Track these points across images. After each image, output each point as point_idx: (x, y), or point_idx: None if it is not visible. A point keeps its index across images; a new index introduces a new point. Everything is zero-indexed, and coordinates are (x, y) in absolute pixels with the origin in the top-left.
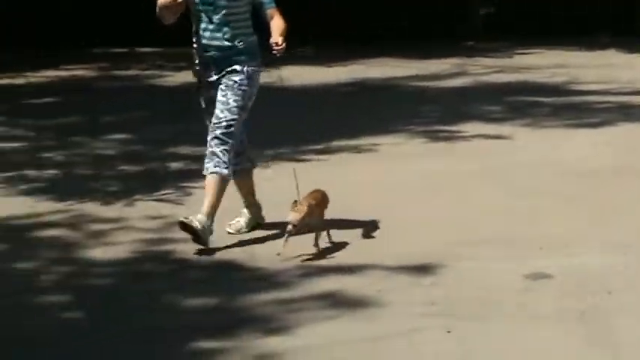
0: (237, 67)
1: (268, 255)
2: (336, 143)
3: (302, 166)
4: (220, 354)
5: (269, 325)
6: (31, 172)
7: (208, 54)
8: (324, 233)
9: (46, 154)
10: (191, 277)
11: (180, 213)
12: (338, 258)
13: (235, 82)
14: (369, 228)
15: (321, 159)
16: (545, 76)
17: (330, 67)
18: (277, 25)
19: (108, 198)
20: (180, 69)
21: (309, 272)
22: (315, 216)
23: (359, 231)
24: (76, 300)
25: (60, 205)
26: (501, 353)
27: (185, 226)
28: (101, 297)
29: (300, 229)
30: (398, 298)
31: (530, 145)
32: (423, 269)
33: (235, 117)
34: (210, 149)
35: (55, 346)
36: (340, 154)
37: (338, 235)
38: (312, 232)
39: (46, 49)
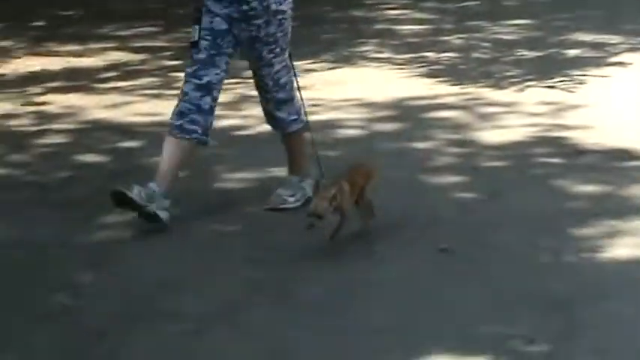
0: (263, 19)
1: None
2: None
3: None
4: (611, 239)
5: None
6: (430, 55)
7: None
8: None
9: (446, 38)
10: (582, 162)
11: (571, 101)
12: None
13: (260, 26)
14: None
15: None
16: None
17: None
18: None
19: (502, 82)
20: None
21: None
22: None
23: None
24: (469, 180)
25: (456, 88)
26: None
27: None
28: (491, 180)
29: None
30: None
31: None
32: None
33: (278, 68)
34: (271, 113)
35: (453, 223)
36: None
37: None
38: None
39: None
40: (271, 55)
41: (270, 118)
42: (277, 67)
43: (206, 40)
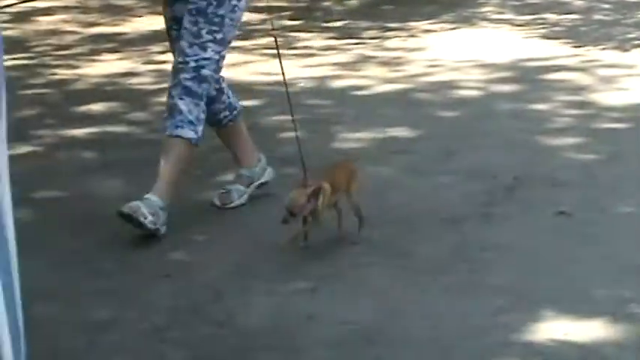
0: None
1: None
2: None
3: None
4: None
5: None
6: (551, 16)
7: None
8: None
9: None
10: None
11: None
12: None
13: (210, 3)
14: None
15: None
16: None
17: None
18: None
19: (624, 45)
20: None
21: None
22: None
23: None
24: (588, 142)
25: (576, 50)
26: None
27: (128, 217)
28: (611, 142)
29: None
30: None
31: None
32: None
33: (209, 56)
34: (171, 100)
35: (572, 185)
36: None
37: None
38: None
39: None
40: (209, 37)
41: (170, 107)
42: (210, 53)
43: (174, 30)
